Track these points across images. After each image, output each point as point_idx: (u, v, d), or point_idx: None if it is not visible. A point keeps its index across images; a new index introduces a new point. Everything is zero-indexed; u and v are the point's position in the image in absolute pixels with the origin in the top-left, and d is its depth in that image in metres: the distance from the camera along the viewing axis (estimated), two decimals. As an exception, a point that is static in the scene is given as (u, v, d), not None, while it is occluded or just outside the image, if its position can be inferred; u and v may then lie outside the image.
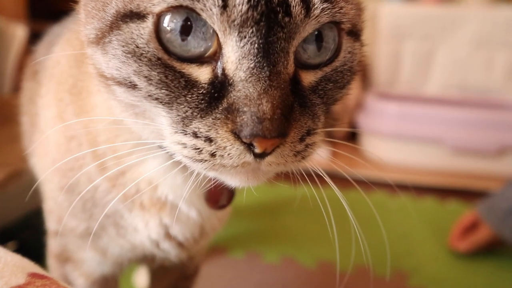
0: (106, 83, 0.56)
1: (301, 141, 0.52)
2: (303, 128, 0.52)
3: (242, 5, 0.47)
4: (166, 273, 0.98)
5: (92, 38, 0.54)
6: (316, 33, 0.53)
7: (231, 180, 0.55)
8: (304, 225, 1.77)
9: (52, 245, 0.83)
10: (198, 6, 0.47)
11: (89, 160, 0.68)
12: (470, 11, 2.73)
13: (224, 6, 0.47)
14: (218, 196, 0.70)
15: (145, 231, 0.72)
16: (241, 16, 0.47)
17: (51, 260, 0.85)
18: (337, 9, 0.52)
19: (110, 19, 0.52)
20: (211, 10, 0.47)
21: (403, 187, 2.17)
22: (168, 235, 0.73)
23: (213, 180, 0.60)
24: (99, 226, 0.72)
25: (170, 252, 0.76)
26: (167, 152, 0.57)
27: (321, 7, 0.50)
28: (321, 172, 0.59)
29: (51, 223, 0.81)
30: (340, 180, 0.62)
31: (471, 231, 1.68)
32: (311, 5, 0.50)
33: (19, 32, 2.10)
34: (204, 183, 0.61)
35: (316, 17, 0.51)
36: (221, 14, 0.47)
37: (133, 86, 0.52)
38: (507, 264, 1.64)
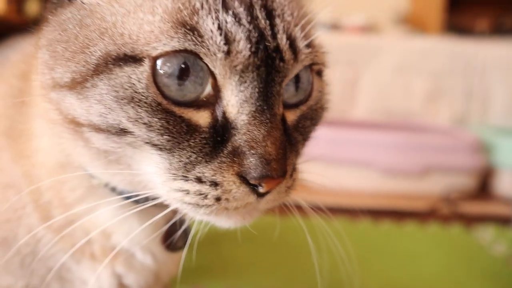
0: (77, 129, 0.52)
1: (290, 176, 0.55)
2: (292, 164, 0.55)
3: (245, 51, 0.48)
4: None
5: (65, 82, 0.50)
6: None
7: (227, 222, 0.55)
8: (246, 255, 1.75)
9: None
10: (202, 51, 0.47)
11: (30, 210, 0.62)
12: (389, 41, 2.94)
13: (228, 51, 0.48)
14: (174, 239, 0.67)
15: (96, 283, 0.66)
16: (243, 62, 0.48)
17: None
18: (314, 53, 0.56)
19: (95, 62, 0.48)
20: (215, 55, 0.48)
21: (338, 211, 2.21)
22: (121, 285, 0.68)
23: (169, 222, 0.60)
24: (41, 282, 0.65)
25: None
26: (126, 198, 0.55)
27: (306, 51, 0.54)
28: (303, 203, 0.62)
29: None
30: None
31: None
32: (297, 50, 0.52)
33: None
34: (160, 226, 0.61)
35: (302, 61, 0.54)
36: (225, 59, 0.48)
37: (121, 133, 0.49)
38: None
